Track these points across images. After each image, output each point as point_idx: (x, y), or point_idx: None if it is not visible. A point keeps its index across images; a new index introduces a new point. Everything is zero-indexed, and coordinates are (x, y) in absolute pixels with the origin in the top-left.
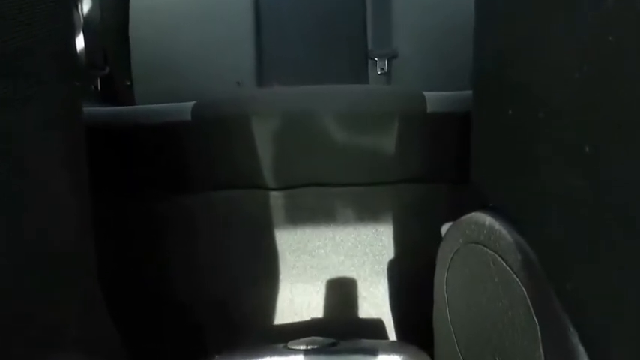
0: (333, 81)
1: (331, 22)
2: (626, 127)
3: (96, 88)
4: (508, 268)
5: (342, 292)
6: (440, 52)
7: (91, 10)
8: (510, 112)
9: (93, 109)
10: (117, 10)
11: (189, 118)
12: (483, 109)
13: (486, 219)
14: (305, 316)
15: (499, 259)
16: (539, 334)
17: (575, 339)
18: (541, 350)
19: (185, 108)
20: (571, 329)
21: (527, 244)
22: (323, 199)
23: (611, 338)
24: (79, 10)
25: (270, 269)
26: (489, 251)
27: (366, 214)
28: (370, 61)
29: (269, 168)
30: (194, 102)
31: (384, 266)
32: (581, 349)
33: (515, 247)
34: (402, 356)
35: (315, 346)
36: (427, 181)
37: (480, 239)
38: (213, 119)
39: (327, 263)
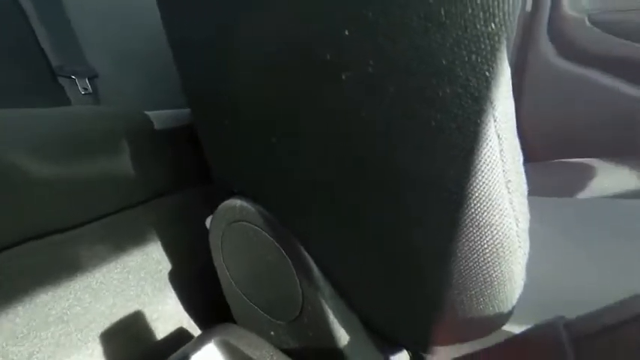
0: (14, 105)
1: None
2: (286, 129)
3: None
4: (258, 228)
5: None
6: (146, 73)
7: None
8: (226, 122)
9: None
10: None
11: None
12: (202, 122)
13: (236, 202)
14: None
15: (251, 224)
16: (291, 266)
17: (312, 262)
18: (295, 275)
19: None
20: (307, 256)
21: (265, 209)
22: (55, 252)
23: (325, 256)
24: None
25: None
26: (244, 223)
27: (125, 242)
28: (67, 80)
29: None
30: None
31: (166, 280)
32: (314, 266)
33: (258, 214)
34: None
35: None
36: (178, 189)
37: (236, 217)
38: None
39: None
